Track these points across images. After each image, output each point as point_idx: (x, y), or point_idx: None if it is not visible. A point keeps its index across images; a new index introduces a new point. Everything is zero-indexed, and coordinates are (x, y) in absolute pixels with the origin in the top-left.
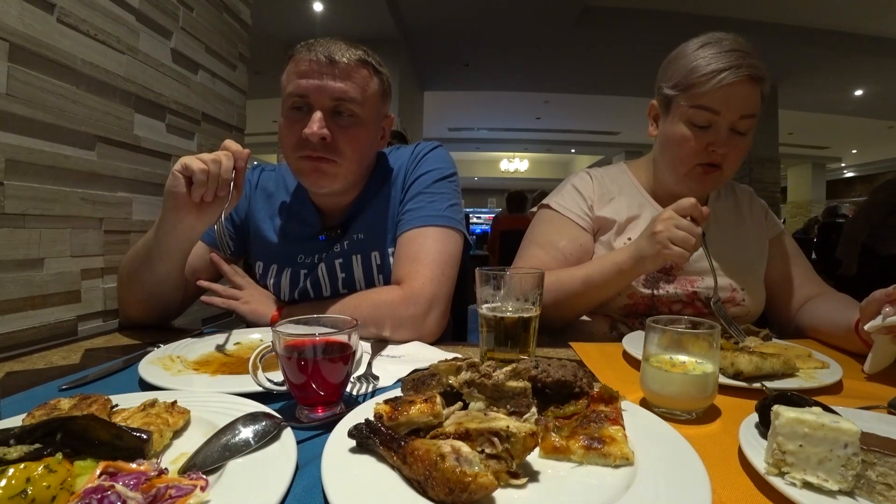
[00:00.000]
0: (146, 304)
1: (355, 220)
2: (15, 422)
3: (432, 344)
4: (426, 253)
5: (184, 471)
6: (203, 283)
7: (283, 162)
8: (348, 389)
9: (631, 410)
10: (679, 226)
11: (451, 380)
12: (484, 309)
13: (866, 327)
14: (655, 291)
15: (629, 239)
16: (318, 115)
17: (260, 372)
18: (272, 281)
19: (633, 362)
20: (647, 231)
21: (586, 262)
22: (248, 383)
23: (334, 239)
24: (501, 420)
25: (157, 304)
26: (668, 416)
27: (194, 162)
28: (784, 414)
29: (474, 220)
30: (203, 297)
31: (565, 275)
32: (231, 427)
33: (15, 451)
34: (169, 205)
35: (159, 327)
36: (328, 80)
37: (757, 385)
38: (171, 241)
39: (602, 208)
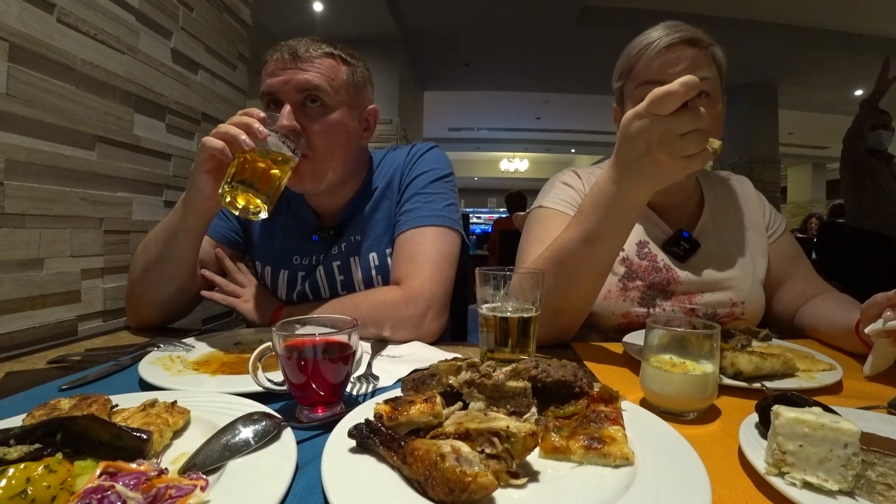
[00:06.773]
0: (160, 297)
1: (352, 222)
2: (15, 422)
3: (432, 344)
4: (424, 253)
5: (184, 471)
6: (206, 273)
7: None
8: (348, 389)
9: (631, 410)
10: (673, 126)
11: (451, 380)
12: (484, 309)
13: (867, 330)
14: (652, 310)
15: None
16: (286, 108)
17: (260, 372)
18: (269, 282)
19: (633, 362)
20: (622, 138)
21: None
22: (248, 383)
23: (329, 240)
24: (501, 420)
25: (172, 297)
26: (668, 416)
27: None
28: (784, 414)
29: (474, 219)
30: (203, 292)
31: (559, 240)
32: (231, 427)
33: (15, 451)
34: (206, 167)
35: (159, 327)
36: (292, 73)
37: (757, 385)
38: (199, 214)
39: None
